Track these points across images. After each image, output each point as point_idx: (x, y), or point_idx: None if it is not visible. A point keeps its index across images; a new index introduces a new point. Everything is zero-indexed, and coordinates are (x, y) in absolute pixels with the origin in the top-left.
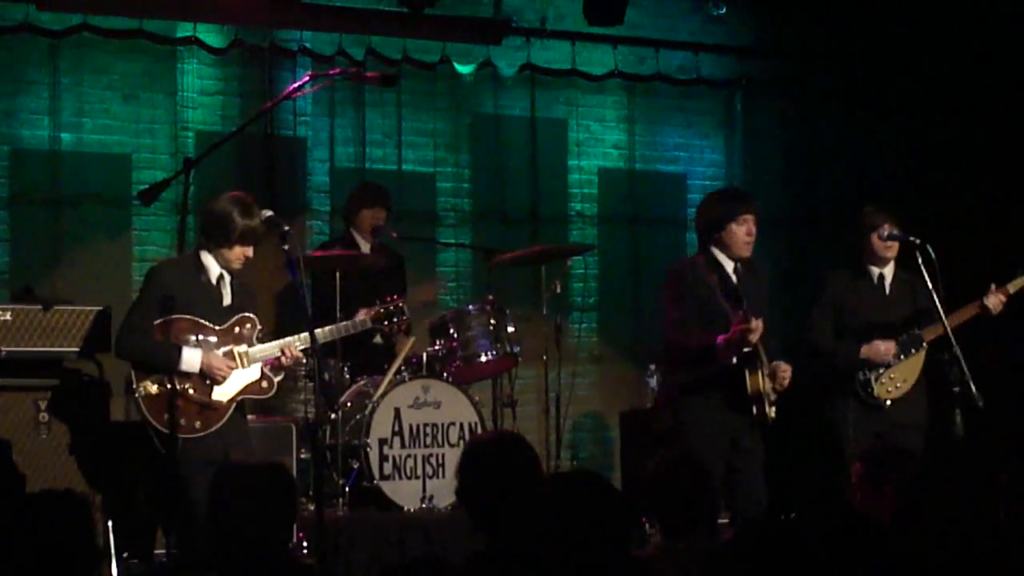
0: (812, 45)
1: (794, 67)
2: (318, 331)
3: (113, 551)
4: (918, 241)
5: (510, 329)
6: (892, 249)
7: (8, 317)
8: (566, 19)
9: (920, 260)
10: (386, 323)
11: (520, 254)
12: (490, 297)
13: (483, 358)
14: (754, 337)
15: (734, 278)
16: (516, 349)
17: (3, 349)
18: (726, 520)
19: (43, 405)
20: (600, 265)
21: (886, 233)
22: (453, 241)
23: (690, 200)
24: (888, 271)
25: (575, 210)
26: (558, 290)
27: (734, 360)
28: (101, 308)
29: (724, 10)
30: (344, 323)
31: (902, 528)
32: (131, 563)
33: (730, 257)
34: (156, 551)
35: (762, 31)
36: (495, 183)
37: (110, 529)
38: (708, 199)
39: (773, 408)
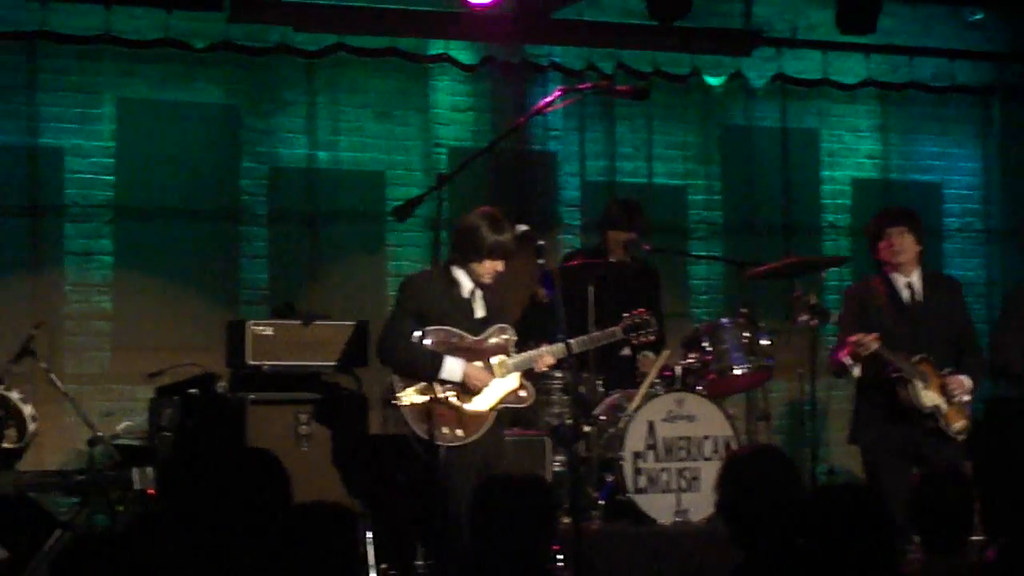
0: None
1: None
2: (571, 341)
3: (372, 562)
4: None
5: (764, 342)
6: None
7: (270, 332)
8: (817, 28)
9: None
10: (634, 334)
11: (773, 266)
12: (743, 310)
13: (737, 371)
14: (863, 350)
15: (904, 294)
16: (770, 362)
17: (265, 364)
18: (981, 537)
19: (304, 418)
20: (854, 277)
21: None
22: (705, 253)
23: (946, 210)
24: None
25: (828, 221)
26: (812, 302)
27: (854, 371)
28: (358, 323)
29: (980, 15)
30: (595, 333)
31: None
32: (390, 574)
33: (896, 273)
34: (416, 562)
35: (1019, 35)
36: (746, 195)
37: (370, 540)
38: None
39: (961, 422)
